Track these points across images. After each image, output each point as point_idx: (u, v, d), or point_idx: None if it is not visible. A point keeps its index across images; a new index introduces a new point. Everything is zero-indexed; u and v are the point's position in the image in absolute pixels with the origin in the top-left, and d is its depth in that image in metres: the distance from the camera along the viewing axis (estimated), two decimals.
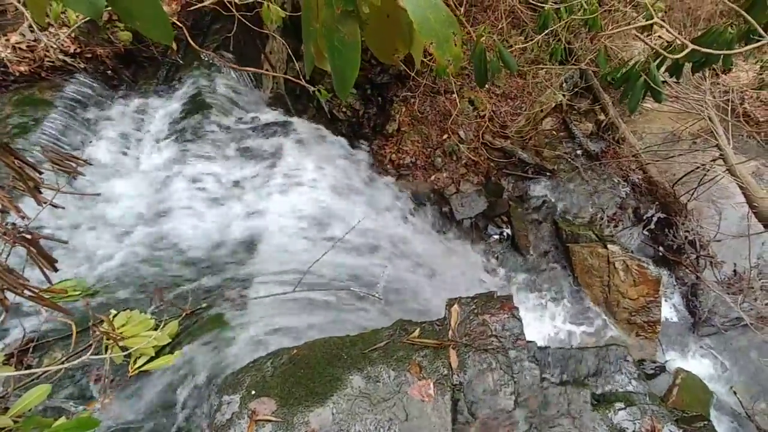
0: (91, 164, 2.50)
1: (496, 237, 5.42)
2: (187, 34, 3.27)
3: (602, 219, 5.54)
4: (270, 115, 3.81)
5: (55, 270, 1.47)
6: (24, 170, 1.46)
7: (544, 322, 4.87)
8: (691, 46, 1.60)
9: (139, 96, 3.43)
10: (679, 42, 1.91)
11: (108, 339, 1.69)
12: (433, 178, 5.59)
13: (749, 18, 1.72)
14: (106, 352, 1.98)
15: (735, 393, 4.50)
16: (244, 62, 3.89)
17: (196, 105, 3.32)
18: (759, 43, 1.60)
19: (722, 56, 1.86)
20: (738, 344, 4.89)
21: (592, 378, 2.23)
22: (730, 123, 4.71)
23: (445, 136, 5.66)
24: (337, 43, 0.49)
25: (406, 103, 5.74)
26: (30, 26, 2.94)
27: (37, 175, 1.53)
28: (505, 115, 5.96)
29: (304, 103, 5.35)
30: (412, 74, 4.85)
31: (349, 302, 2.75)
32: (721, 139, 4.60)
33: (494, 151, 5.78)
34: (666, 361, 4.69)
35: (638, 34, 2.93)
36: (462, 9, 5.39)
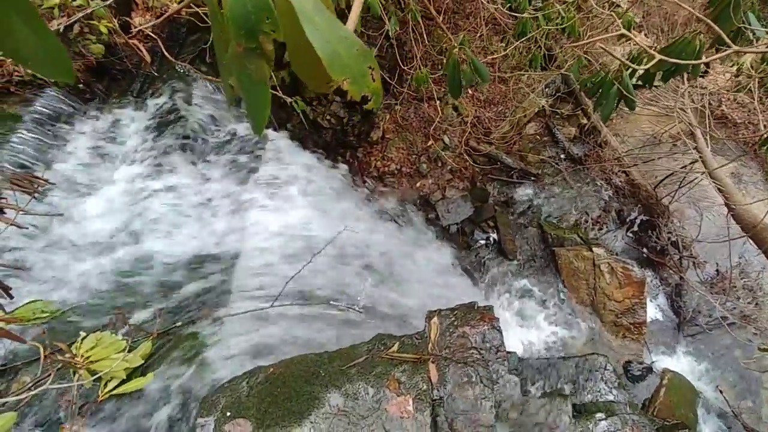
0: (53, 183, 2.43)
1: (483, 242, 5.42)
2: (161, 46, 3.22)
3: (587, 222, 5.57)
4: (249, 127, 3.76)
5: (10, 297, 1.42)
6: None
7: (530, 326, 4.87)
8: (658, 57, 1.60)
9: (112, 110, 3.36)
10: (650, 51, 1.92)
11: (72, 365, 1.63)
12: (418, 184, 5.57)
13: (716, 28, 1.73)
14: (74, 377, 1.92)
15: (721, 392, 4.53)
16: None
17: (172, 118, 3.26)
18: (725, 53, 1.60)
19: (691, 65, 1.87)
20: (723, 343, 4.94)
21: (573, 388, 2.21)
22: (708, 125, 4.77)
23: (429, 143, 5.65)
24: (245, 79, 0.46)
25: (390, 110, 5.73)
26: None
27: None
28: (488, 120, 5.98)
29: (288, 112, 5.30)
30: (393, 83, 4.84)
31: (329, 316, 2.70)
32: (700, 142, 4.66)
33: (479, 156, 5.79)
34: (653, 362, 4.70)
35: (603, 47, 2.94)
36: (442, 16, 5.40)
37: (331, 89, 0.60)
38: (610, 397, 2.15)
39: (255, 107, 0.48)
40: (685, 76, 5.08)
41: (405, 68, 4.87)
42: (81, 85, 3.29)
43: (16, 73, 3.08)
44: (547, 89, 6.19)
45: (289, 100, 3.05)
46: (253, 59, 0.43)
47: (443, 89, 5.76)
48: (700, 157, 4.66)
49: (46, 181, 1.70)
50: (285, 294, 2.56)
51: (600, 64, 5.89)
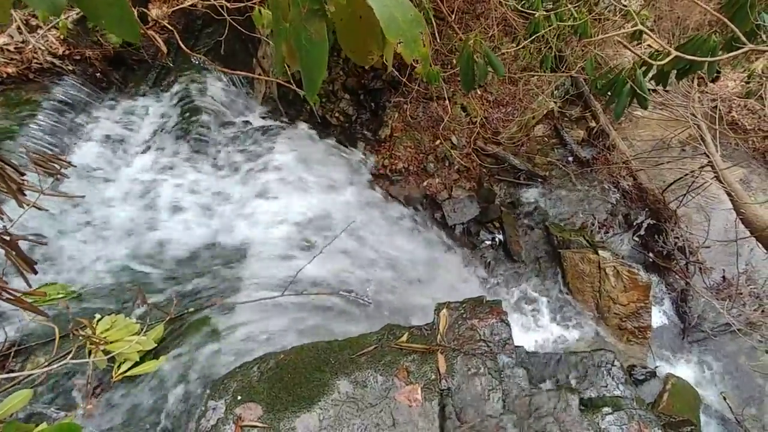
0: (74, 166, 2.47)
1: (488, 242, 5.43)
2: (177, 38, 3.26)
3: (593, 225, 5.57)
4: (261, 120, 3.80)
5: (35, 272, 1.45)
6: (5, 171, 1.44)
7: (534, 327, 4.87)
8: (675, 53, 1.62)
9: (128, 99, 3.41)
10: (664, 50, 1.94)
11: (90, 344, 1.66)
12: (425, 183, 5.59)
13: (732, 26, 1.74)
14: (89, 357, 1.95)
15: (725, 398, 4.51)
16: (236, 66, 3.88)
17: (186, 109, 3.30)
18: (741, 50, 1.62)
19: (707, 64, 1.89)
20: (727, 350, 4.92)
21: (580, 383, 2.23)
22: (717, 131, 4.76)
23: (437, 142, 5.67)
24: (305, 41, 0.48)
25: (399, 108, 5.75)
26: (18, 28, 2.92)
27: (20, 176, 1.51)
28: (497, 121, 5.99)
29: (298, 108, 5.35)
30: (404, 80, 4.87)
31: (338, 306, 2.74)
32: (709, 147, 4.65)
33: (486, 157, 5.80)
34: (656, 367, 4.69)
35: (621, 41, 2.96)
36: (453, 16, 5.43)
37: (371, 62, 0.63)
38: (617, 393, 2.17)
39: (312, 68, 0.50)
40: (695, 80, 5.08)
41: (415, 65, 4.89)
42: (98, 74, 3.34)
43: (34, 61, 3.13)
44: (556, 91, 6.20)
45: (302, 93, 3.08)
46: (315, 21, 0.46)
47: (453, 88, 5.78)
48: (710, 161, 4.66)
49: (69, 162, 1.73)
50: (294, 283, 2.59)
51: (610, 67, 5.90)
